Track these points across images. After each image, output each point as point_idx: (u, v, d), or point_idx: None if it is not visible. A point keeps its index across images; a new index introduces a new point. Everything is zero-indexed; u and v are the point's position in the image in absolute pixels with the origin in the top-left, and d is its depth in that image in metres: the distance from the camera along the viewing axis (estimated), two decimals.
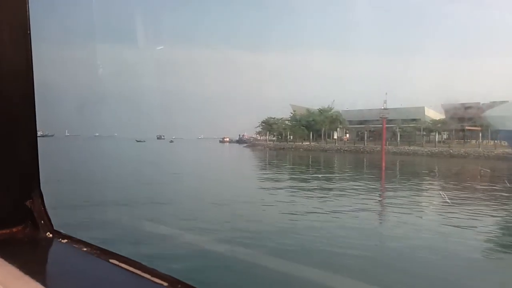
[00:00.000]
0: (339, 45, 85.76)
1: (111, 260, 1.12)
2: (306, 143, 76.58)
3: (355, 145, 68.79)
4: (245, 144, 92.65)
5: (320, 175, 28.17)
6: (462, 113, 62.82)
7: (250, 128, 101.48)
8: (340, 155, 61.16)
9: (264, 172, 32.25)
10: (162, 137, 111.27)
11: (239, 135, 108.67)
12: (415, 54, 78.03)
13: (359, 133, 73.38)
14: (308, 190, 20.18)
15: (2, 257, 1.11)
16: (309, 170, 35.23)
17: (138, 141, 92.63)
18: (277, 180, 25.00)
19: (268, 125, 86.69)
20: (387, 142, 66.32)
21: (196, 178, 24.86)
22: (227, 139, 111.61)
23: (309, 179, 26.18)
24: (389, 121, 66.52)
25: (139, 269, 1.05)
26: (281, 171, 33.84)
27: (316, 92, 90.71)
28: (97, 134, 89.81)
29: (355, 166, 42.16)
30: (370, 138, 69.45)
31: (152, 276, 1.01)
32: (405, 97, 76.41)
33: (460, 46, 75.96)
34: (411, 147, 61.75)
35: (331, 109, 79.38)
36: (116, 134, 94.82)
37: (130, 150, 64.26)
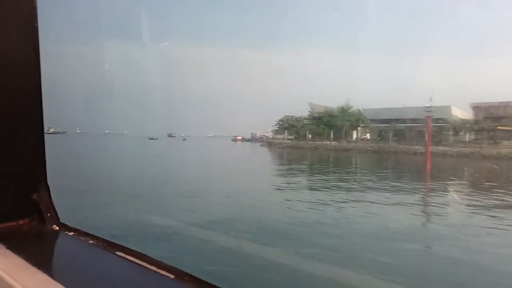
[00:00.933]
0: (350, 44, 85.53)
1: (117, 253, 1.17)
2: (326, 142, 76.27)
3: (379, 145, 68.13)
4: (260, 143, 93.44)
5: (374, 179, 27.29)
6: (494, 112, 61.70)
7: (260, 126, 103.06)
8: (366, 155, 60.76)
9: (308, 178, 29.93)
10: (173, 135, 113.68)
11: (251, 133, 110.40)
12: (428, 53, 77.35)
13: (383, 132, 72.65)
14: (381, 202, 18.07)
15: (10, 249, 1.17)
16: (354, 174, 33.31)
17: (151, 139, 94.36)
18: (333, 189, 22.19)
19: (286, 124, 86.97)
20: (412, 143, 65.59)
21: (244, 178, 26.22)
22: (240, 138, 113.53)
23: (365, 185, 24.00)
24: (412, 120, 65.84)
25: (145, 261, 1.09)
26: (326, 176, 30.35)
27: (327, 90, 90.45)
28: (107, 131, 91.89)
29: (393, 167, 41.61)
30: (394, 138, 68.79)
31: (158, 268, 1.05)
32: (420, 96, 75.16)
33: (472, 45, 74.34)
34: (440, 148, 60.77)
35: (350, 107, 79.34)
36: (125, 132, 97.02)
37: (150, 148, 65.63)
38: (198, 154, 59.42)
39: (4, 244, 1.19)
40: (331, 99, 79.56)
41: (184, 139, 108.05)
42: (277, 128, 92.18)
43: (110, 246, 1.23)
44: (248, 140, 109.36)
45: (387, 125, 71.32)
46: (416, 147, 62.32)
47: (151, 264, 1.07)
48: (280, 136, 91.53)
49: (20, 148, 1.35)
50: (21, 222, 1.37)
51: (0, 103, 1.28)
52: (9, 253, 1.16)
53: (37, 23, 1.31)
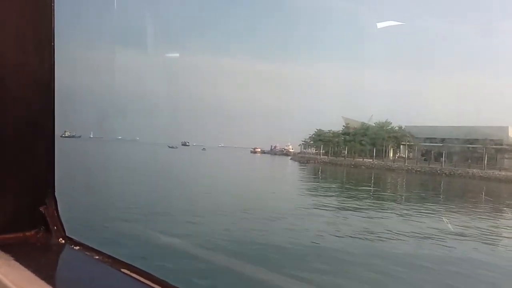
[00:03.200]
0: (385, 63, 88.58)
1: (122, 270, 1.28)
2: (368, 160, 75.36)
3: (430, 166, 66.69)
4: (290, 156, 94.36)
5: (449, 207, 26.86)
6: None
7: (278, 139, 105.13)
8: (416, 176, 59.56)
9: (373, 203, 28.93)
10: (187, 144, 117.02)
11: (271, 146, 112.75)
12: (460, 73, 79.92)
13: (433, 152, 71.22)
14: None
15: (18, 261, 1.34)
16: (432, 202, 31.76)
17: (171, 147, 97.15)
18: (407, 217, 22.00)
19: (318, 138, 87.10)
20: (469, 165, 63.82)
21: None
22: (259, 150, 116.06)
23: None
24: (465, 140, 64.45)
25: (149, 280, 1.20)
26: (391, 203, 29.55)
27: (353, 105, 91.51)
28: (119, 137, 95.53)
29: (464, 195, 40.53)
30: (441, 158, 67.45)
31: (162, 287, 1.17)
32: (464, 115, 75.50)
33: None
34: (502, 172, 58.92)
35: (389, 123, 79.08)
36: (138, 138, 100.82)
37: (180, 157, 68.58)
38: (232, 166, 61.10)
39: (11, 255, 1.36)
40: (356, 113, 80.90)
41: (204, 149, 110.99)
42: (303, 143, 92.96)
43: (116, 262, 1.36)
44: (268, 153, 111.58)
45: (440, 144, 69.90)
46: (474, 170, 60.68)
47: (155, 283, 1.18)
48: (309, 151, 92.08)
49: (30, 160, 1.53)
50: (28, 233, 1.53)
51: (12, 116, 1.48)
52: (17, 265, 1.29)
53: (53, 42, 1.51)
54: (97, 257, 1.42)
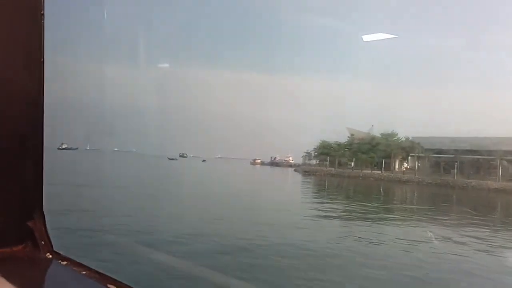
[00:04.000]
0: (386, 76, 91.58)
1: (109, 285, 1.32)
2: (376, 172, 75.23)
3: (442, 178, 66.44)
4: (290, 168, 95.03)
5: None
6: None
7: (275, 150, 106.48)
8: (431, 189, 59.08)
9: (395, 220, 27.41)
10: (185, 155, 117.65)
11: (271, 157, 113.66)
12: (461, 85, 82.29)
13: (443, 164, 71.01)
14: None
15: (3, 276, 1.39)
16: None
17: (171, 159, 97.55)
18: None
19: (322, 150, 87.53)
20: (482, 177, 63.56)
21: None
22: (259, 161, 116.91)
23: None
24: (474, 152, 64.41)
25: None
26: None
27: (359, 117, 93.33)
28: (116, 149, 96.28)
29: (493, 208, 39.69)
30: (451, 170, 67.33)
31: None
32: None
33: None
34: None
35: (395, 134, 79.59)
36: (134, 150, 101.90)
37: (184, 170, 68.97)
38: (237, 179, 61.27)
39: None
40: (363, 125, 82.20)
41: (204, 161, 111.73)
42: (306, 154, 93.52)
43: (103, 278, 1.40)
44: (267, 164, 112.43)
45: (452, 156, 69.70)
46: (488, 182, 60.42)
47: None
48: (311, 162, 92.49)
49: (18, 175, 1.59)
50: (15, 248, 1.57)
51: (1, 129, 1.54)
52: (2, 281, 1.33)
53: (43, 57, 1.58)
54: (84, 272, 1.46)
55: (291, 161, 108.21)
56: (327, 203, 35.98)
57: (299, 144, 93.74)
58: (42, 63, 1.59)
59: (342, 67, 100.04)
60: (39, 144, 1.62)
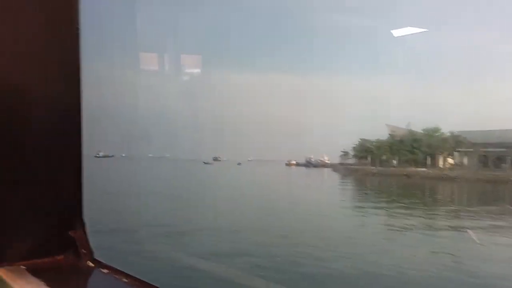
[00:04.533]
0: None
1: None
2: (421, 169, 73.89)
3: (494, 173, 64.55)
4: (327, 169, 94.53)
5: None
6: None
7: (309, 151, 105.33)
8: (483, 186, 57.36)
9: None
10: (219, 159, 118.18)
11: (306, 158, 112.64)
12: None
13: (496, 159, 69.00)
14: None
15: (48, 285, 1.46)
16: None
17: (206, 163, 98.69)
18: None
19: (361, 148, 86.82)
20: None
21: None
22: (294, 162, 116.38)
23: None
24: None
25: None
26: None
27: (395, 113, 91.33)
28: (150, 155, 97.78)
29: None
30: (502, 164, 65.25)
31: None
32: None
33: None
34: None
35: (438, 129, 77.91)
36: (168, 155, 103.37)
37: (223, 174, 69.00)
38: (281, 181, 61.07)
39: (43, 280, 1.47)
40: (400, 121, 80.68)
41: (239, 164, 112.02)
42: (343, 153, 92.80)
43: (144, 286, 1.46)
44: (302, 165, 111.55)
45: (504, 149, 67.60)
46: None
47: None
48: (349, 161, 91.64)
49: (58, 184, 1.67)
50: (57, 257, 1.65)
51: (41, 141, 1.62)
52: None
53: (80, 69, 1.67)
54: (125, 280, 1.51)
55: (326, 161, 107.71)
56: (385, 208, 34.20)
57: (335, 144, 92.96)
58: (79, 74, 1.67)
59: (377, 64, 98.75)
60: (78, 153, 1.69)
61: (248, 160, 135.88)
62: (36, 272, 1.53)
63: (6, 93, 1.55)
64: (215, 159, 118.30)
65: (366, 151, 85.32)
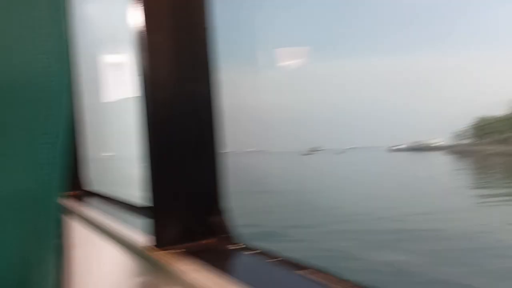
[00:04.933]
0: None
1: (297, 272, 1.39)
2: None
3: None
4: (438, 152, 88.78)
5: None
6: None
7: (410, 134, 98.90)
8: None
9: None
10: (318, 149, 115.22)
11: (412, 142, 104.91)
12: None
13: None
14: None
15: (207, 264, 1.58)
16: None
17: (306, 154, 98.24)
18: None
19: (482, 126, 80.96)
20: None
21: None
22: (397, 147, 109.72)
23: None
24: None
25: (329, 281, 1.25)
26: None
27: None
28: (250, 149, 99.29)
29: None
30: None
31: None
32: None
33: None
34: None
35: None
36: (265, 149, 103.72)
37: (336, 164, 66.91)
38: (400, 170, 58.07)
39: (199, 259, 1.64)
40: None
41: (342, 152, 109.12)
42: (455, 134, 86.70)
43: (293, 264, 1.47)
44: (406, 150, 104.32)
45: None
46: None
47: (337, 284, 1.22)
48: (463, 142, 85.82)
49: (201, 177, 1.87)
50: (204, 242, 1.83)
51: (181, 135, 1.83)
52: (210, 267, 1.54)
53: (212, 68, 1.86)
54: (274, 259, 1.57)
55: (437, 144, 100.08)
56: None
57: (440, 124, 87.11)
58: (211, 65, 1.88)
59: (483, 36, 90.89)
60: (216, 149, 1.90)
61: (345, 149, 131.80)
62: (191, 253, 1.71)
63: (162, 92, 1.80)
64: (314, 149, 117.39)
65: (483, 130, 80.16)
